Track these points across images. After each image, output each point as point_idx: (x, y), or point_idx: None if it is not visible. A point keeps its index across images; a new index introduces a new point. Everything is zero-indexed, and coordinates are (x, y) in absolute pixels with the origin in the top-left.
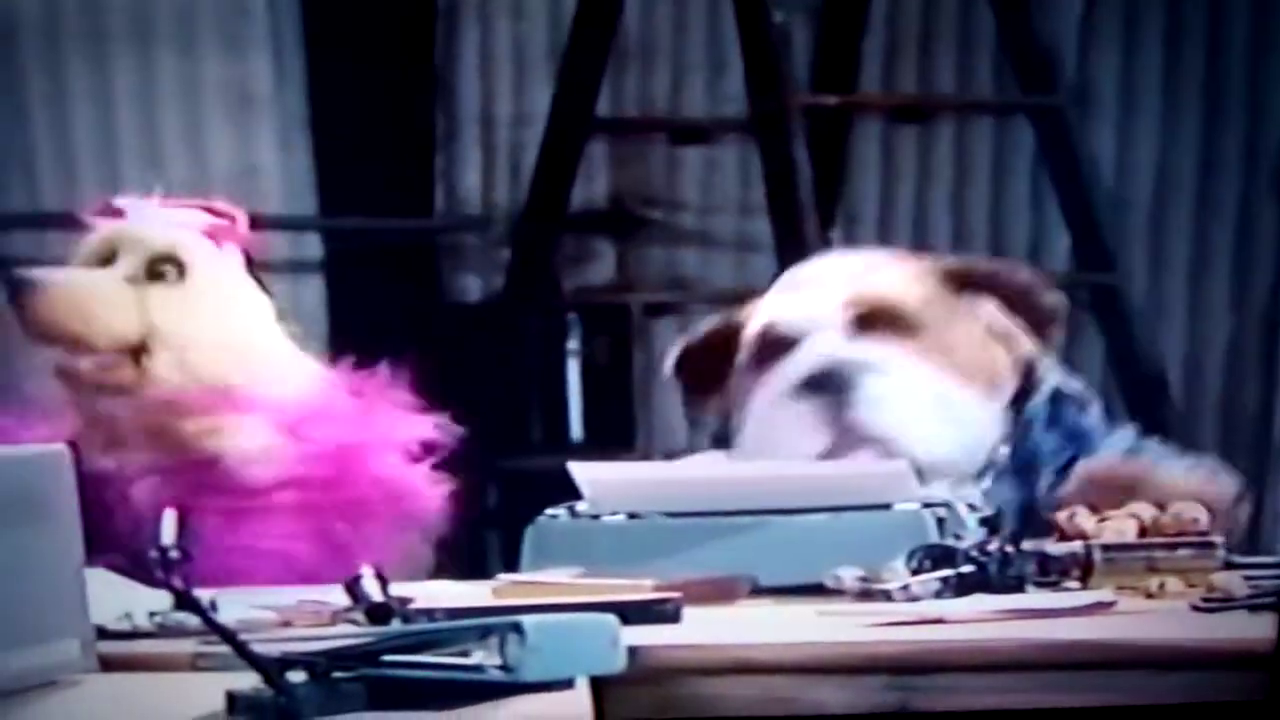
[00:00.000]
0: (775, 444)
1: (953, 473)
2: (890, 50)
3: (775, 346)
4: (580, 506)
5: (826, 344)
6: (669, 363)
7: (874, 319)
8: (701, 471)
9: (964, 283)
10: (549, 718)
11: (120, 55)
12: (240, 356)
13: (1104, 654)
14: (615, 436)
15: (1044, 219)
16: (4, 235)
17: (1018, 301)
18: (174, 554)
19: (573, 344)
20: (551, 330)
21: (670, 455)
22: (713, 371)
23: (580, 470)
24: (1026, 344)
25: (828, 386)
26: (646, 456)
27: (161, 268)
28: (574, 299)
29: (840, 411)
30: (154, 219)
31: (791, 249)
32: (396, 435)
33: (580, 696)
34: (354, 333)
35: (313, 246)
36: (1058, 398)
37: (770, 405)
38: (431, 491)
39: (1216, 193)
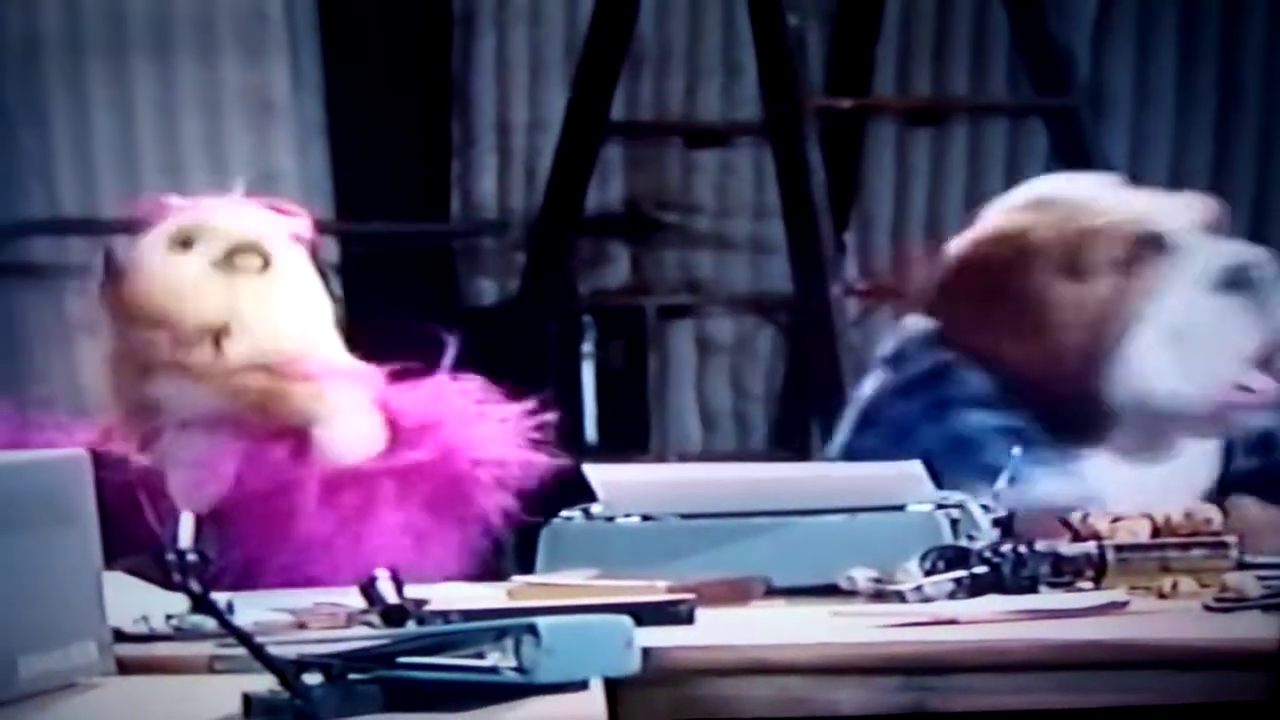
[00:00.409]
0: (1197, 346)
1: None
2: (904, 53)
3: (1149, 246)
4: (595, 508)
5: (1219, 246)
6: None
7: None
8: (715, 473)
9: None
10: (564, 719)
11: (140, 63)
12: (310, 349)
13: (1117, 654)
14: (630, 438)
15: None
16: (26, 241)
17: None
18: (191, 557)
19: (588, 346)
20: (567, 333)
21: (684, 457)
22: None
23: (595, 472)
24: None
25: (1247, 285)
26: (661, 459)
27: (244, 258)
28: (589, 302)
29: (1263, 311)
30: (234, 212)
31: (805, 252)
32: (490, 425)
33: (595, 698)
34: (371, 336)
35: (330, 251)
36: None
37: (1184, 306)
38: (520, 481)
39: (1230, 193)
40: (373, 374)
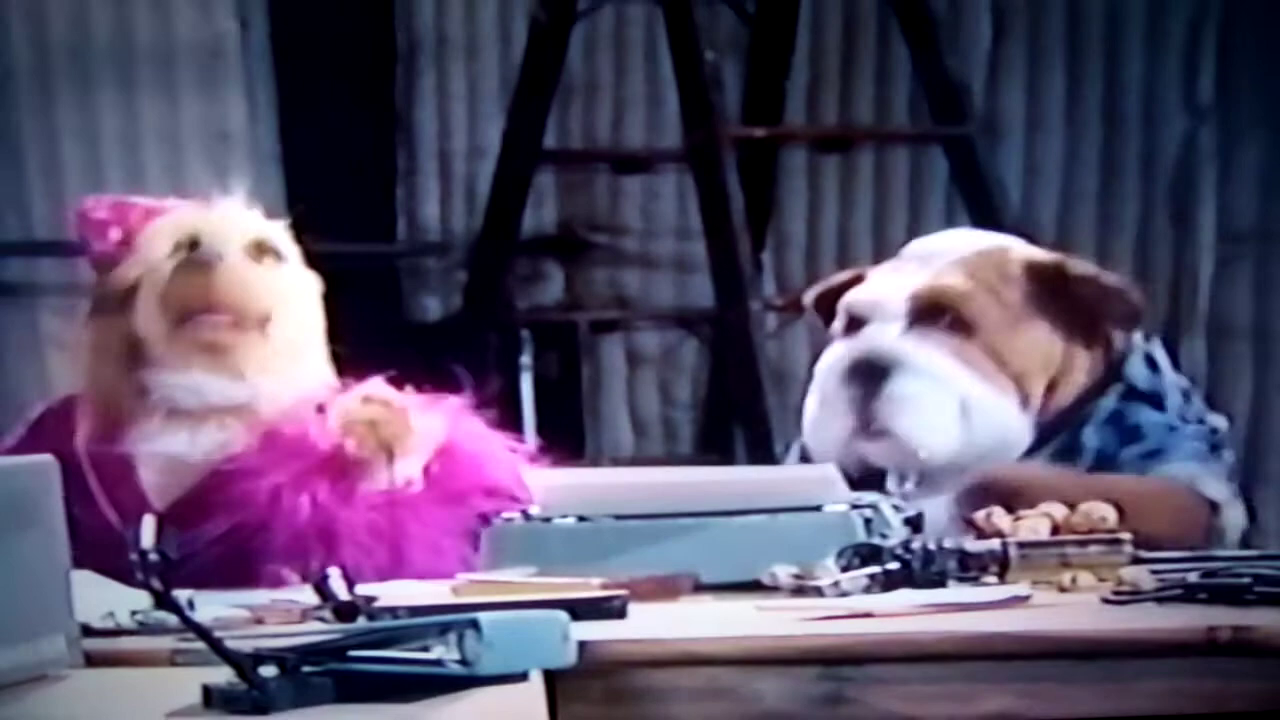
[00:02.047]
0: (817, 418)
1: (952, 470)
2: (813, 85)
3: (853, 324)
4: (533, 510)
5: (880, 334)
6: (808, 298)
7: (933, 313)
8: (646, 476)
9: (1055, 279)
10: (505, 709)
11: (106, 97)
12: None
13: (1021, 645)
14: (565, 444)
15: None
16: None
17: (1106, 301)
18: (153, 557)
19: (525, 359)
20: (506, 346)
21: (617, 462)
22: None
23: (533, 476)
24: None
25: (866, 375)
26: (595, 463)
27: (261, 253)
28: (526, 317)
29: (869, 402)
30: (238, 213)
31: (726, 270)
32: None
33: (534, 688)
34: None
35: None
36: (1128, 395)
37: (823, 380)
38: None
39: (1117, 213)
40: (451, 405)
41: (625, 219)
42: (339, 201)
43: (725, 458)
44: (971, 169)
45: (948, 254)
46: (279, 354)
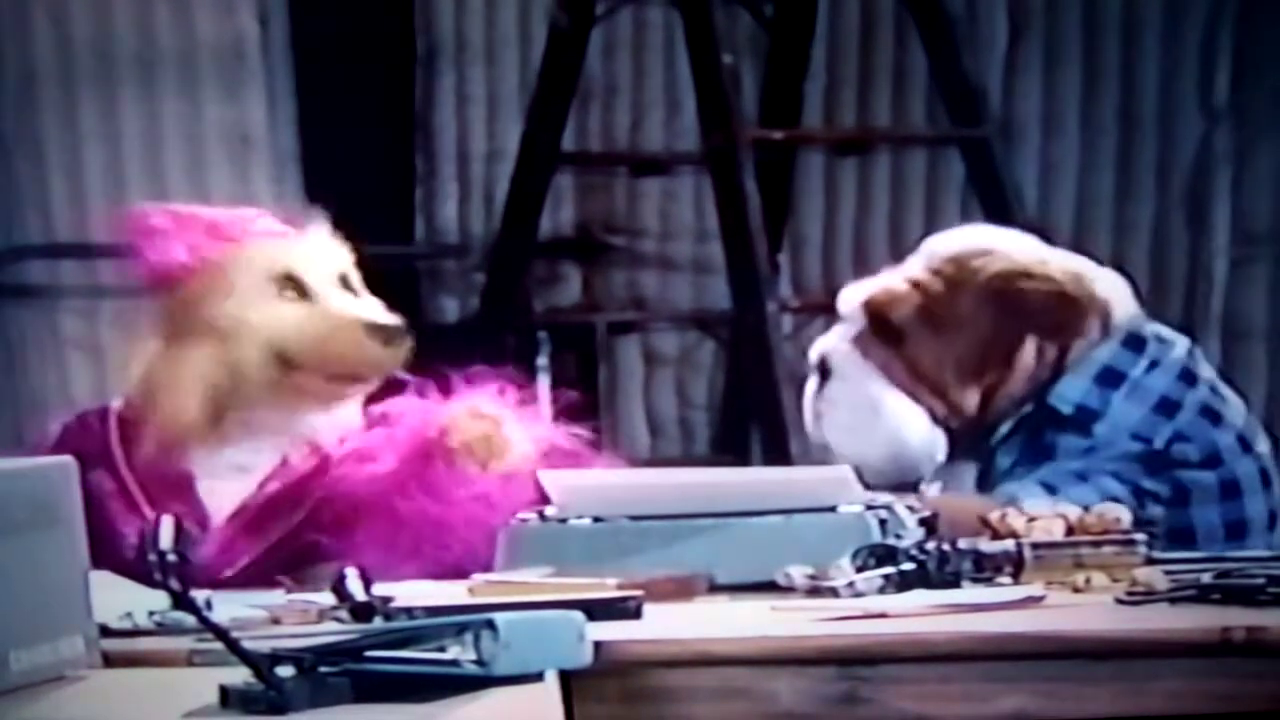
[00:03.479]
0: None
1: (880, 480)
2: (831, 88)
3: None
4: (549, 511)
5: (832, 338)
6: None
7: (874, 318)
8: (661, 477)
9: (1015, 288)
10: (521, 709)
11: (128, 99)
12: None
13: (1035, 645)
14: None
15: None
16: (21, 265)
17: (1047, 312)
18: (171, 557)
19: (543, 360)
20: (523, 347)
21: (633, 462)
22: None
23: (549, 477)
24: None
25: (817, 375)
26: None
27: (346, 287)
28: (544, 319)
29: (815, 402)
30: (322, 245)
31: (743, 271)
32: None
33: (550, 689)
34: None
35: None
36: (1045, 414)
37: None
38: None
39: (1132, 215)
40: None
41: (643, 221)
42: (358, 203)
43: (741, 459)
44: (988, 171)
45: (928, 256)
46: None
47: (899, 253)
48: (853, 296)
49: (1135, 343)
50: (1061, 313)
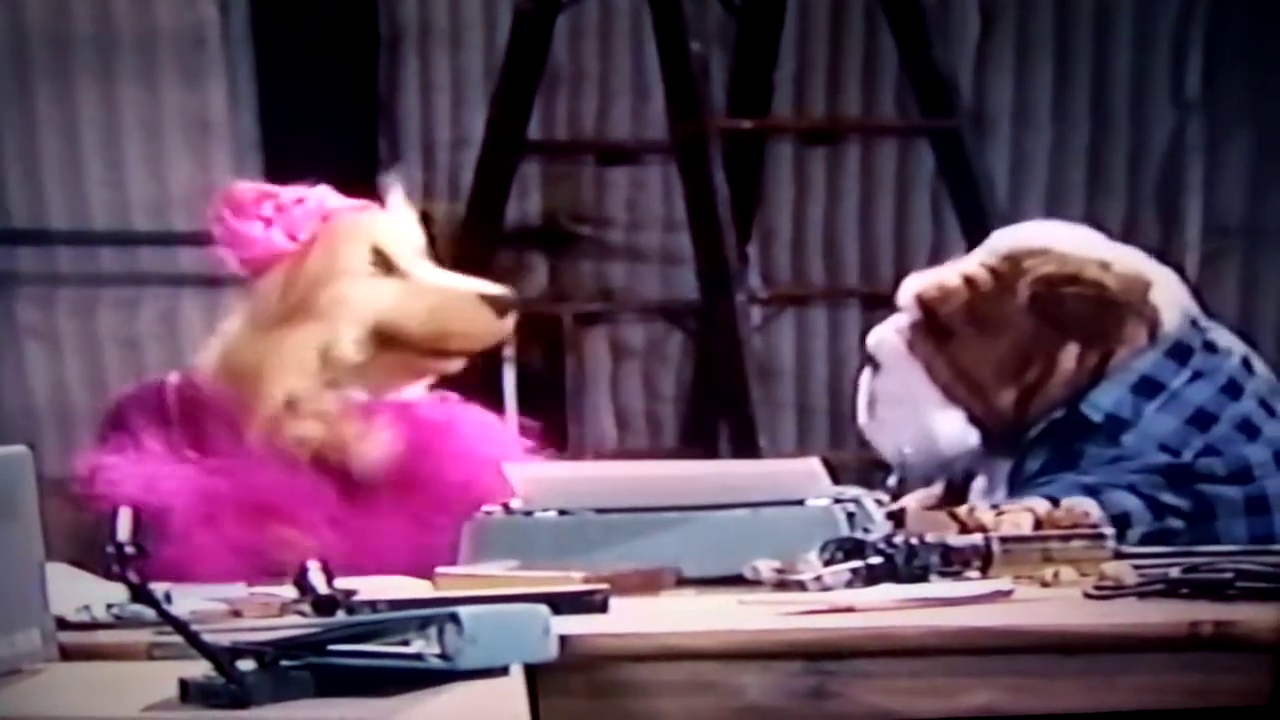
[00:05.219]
0: None
1: (909, 474)
2: (800, 77)
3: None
4: (514, 503)
5: (885, 328)
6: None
7: (924, 313)
8: (628, 470)
9: (1047, 297)
10: (486, 703)
11: (85, 86)
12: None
13: (1003, 639)
14: (548, 438)
15: (944, 233)
16: None
17: (1092, 323)
18: (129, 550)
19: (509, 351)
20: None
21: (600, 455)
22: None
23: (514, 470)
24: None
25: (869, 366)
26: (578, 457)
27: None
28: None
29: (867, 391)
30: (406, 218)
31: (711, 262)
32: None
33: (515, 683)
34: None
35: None
36: (1071, 421)
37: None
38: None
39: (1104, 208)
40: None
41: (610, 211)
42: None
43: (709, 451)
44: (959, 162)
45: (989, 250)
46: None
47: (867, 243)
48: (910, 287)
49: (1180, 353)
50: (1103, 320)
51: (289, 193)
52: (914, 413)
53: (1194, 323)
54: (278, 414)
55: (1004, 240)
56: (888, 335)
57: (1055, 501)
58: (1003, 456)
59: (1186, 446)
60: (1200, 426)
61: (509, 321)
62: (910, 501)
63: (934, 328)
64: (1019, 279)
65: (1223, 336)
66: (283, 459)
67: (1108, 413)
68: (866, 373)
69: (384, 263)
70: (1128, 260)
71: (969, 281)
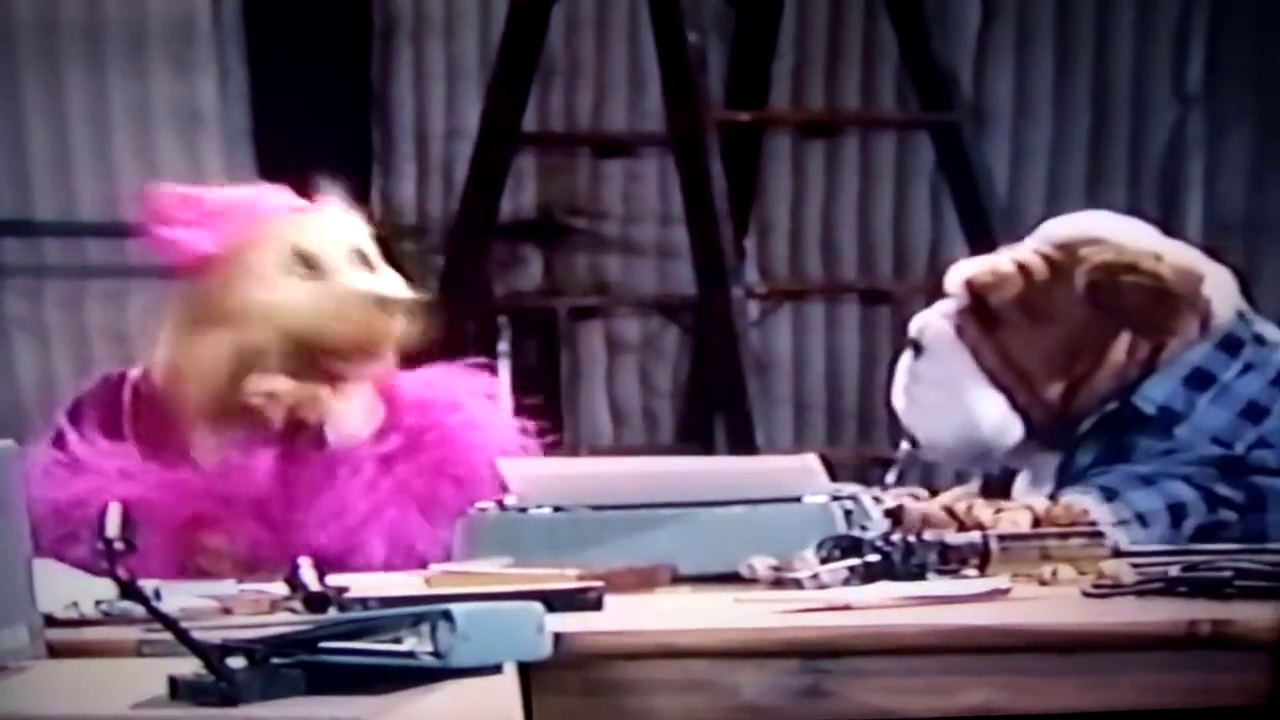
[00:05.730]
0: None
1: (952, 461)
2: (799, 69)
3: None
4: (508, 500)
5: (932, 313)
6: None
7: (973, 299)
8: (623, 466)
9: (1103, 286)
10: (479, 701)
11: (74, 75)
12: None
13: (1001, 638)
14: (543, 433)
15: (942, 227)
16: None
17: (1146, 313)
18: (119, 545)
19: (503, 346)
20: (483, 333)
21: (595, 451)
22: None
23: (508, 465)
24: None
25: (911, 350)
26: (573, 453)
27: (362, 262)
28: (504, 303)
29: (905, 376)
30: (335, 221)
31: (708, 256)
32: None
33: (508, 681)
34: None
35: None
36: (1124, 414)
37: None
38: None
39: (1104, 201)
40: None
41: (606, 203)
42: (311, 182)
43: (705, 447)
44: (958, 155)
45: (1042, 238)
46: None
47: (866, 237)
48: (960, 273)
49: (1231, 345)
50: (1157, 311)
51: (214, 196)
52: (956, 398)
53: (1242, 315)
54: (191, 416)
55: (1057, 229)
56: (933, 320)
57: (1053, 499)
58: (1047, 450)
59: (1239, 439)
60: (1252, 419)
61: (407, 323)
62: (946, 498)
63: (984, 314)
64: (1075, 267)
65: (1270, 330)
66: (221, 457)
67: (1160, 405)
68: (906, 356)
69: (310, 265)
70: (1179, 252)
71: (1023, 268)
